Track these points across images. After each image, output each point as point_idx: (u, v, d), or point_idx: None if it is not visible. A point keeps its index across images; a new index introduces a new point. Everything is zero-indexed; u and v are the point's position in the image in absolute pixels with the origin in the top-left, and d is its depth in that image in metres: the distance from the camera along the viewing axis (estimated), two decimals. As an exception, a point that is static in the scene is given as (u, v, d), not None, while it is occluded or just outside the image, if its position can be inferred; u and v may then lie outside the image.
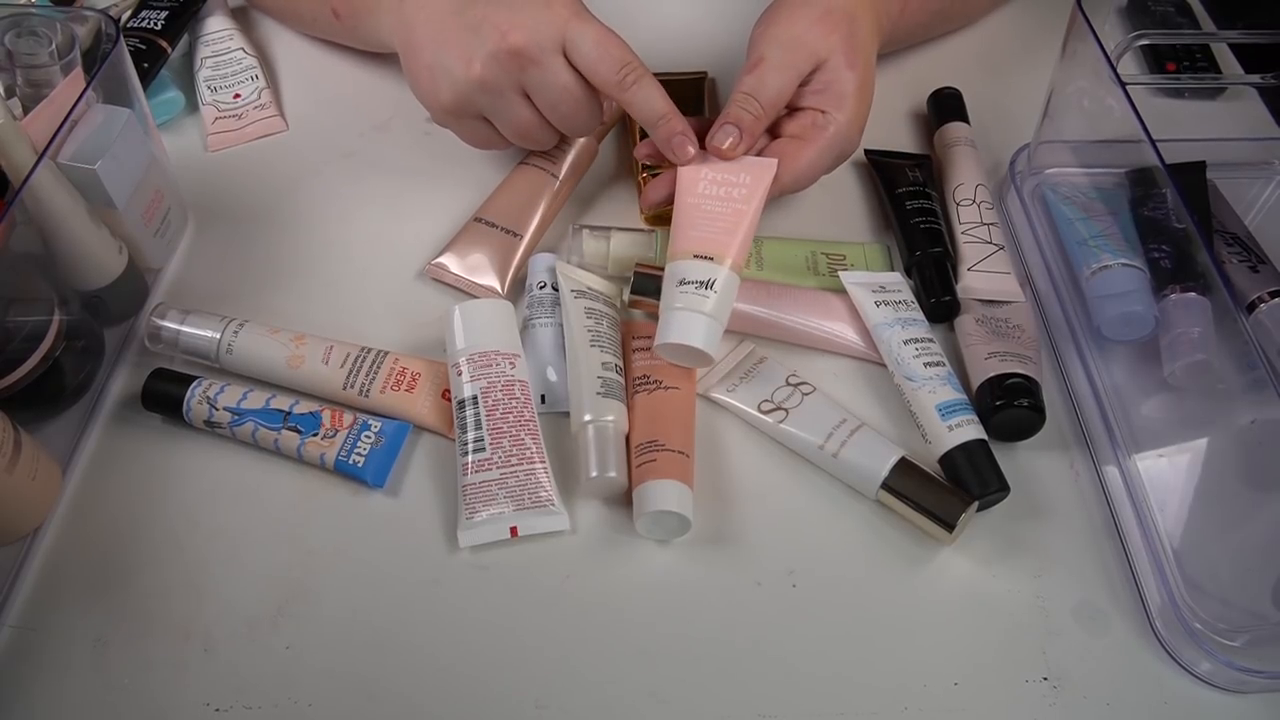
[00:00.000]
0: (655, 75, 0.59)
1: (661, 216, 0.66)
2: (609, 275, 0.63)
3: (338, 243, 0.67)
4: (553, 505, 0.54)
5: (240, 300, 0.63)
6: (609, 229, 0.64)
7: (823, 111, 0.60)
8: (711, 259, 0.56)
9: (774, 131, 0.62)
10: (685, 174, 0.59)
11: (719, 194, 0.58)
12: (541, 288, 0.61)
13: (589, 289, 0.61)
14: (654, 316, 0.62)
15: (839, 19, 0.60)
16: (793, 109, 0.62)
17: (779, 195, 0.61)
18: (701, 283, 0.55)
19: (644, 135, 0.69)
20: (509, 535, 0.53)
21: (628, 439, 0.56)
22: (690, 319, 0.54)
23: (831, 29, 0.59)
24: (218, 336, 0.58)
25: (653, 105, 0.58)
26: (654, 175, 0.66)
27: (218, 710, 0.48)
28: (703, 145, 0.60)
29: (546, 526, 0.54)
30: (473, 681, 0.50)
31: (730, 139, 0.58)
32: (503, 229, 0.64)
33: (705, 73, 0.75)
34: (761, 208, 0.58)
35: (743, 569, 0.54)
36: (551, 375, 0.59)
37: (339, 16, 0.70)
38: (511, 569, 0.53)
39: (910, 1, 0.68)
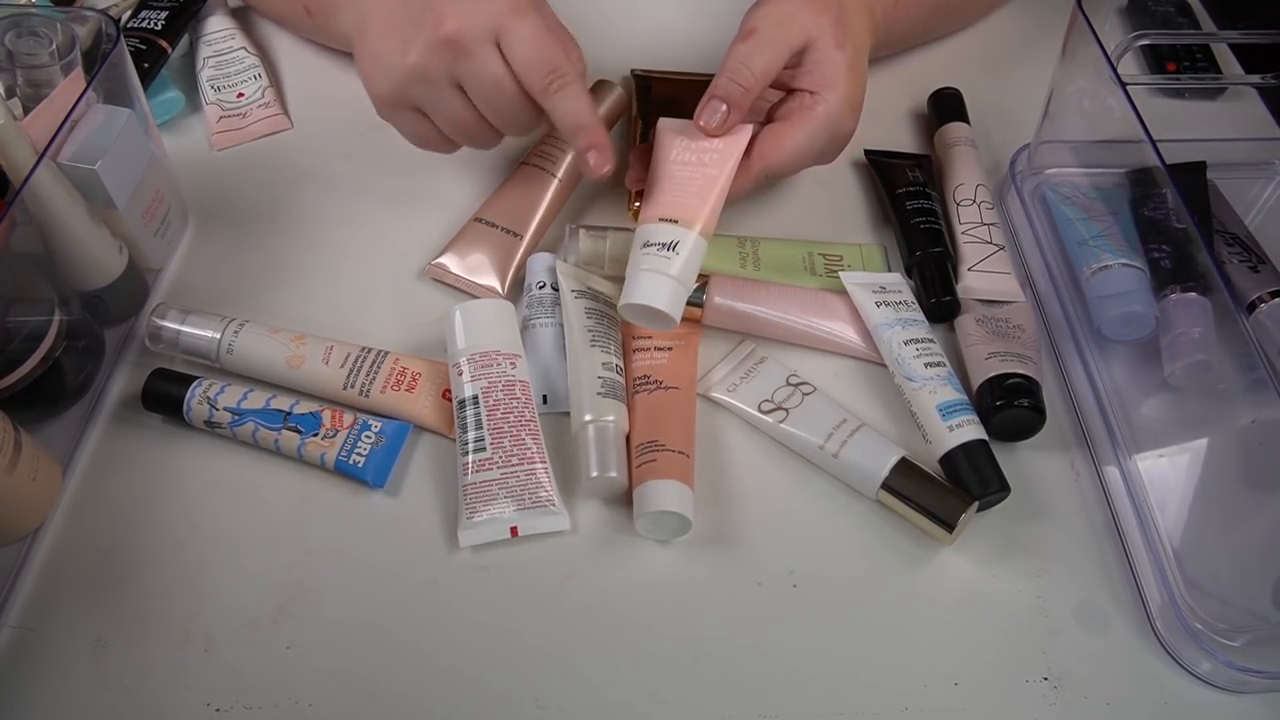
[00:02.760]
0: (672, 74, 0.59)
1: None
2: (606, 275, 0.63)
3: (338, 243, 0.67)
4: (553, 505, 0.54)
5: (240, 300, 0.63)
6: (606, 229, 0.64)
7: (812, 92, 0.60)
8: (677, 222, 0.56)
9: (766, 117, 0.62)
10: (662, 141, 0.59)
11: (691, 159, 0.58)
12: (541, 288, 0.61)
13: (589, 289, 0.61)
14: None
15: (829, 3, 0.60)
16: (784, 91, 0.61)
17: (772, 180, 0.61)
18: (665, 244, 0.55)
19: (644, 137, 0.69)
20: (509, 535, 0.53)
21: (628, 439, 0.56)
22: (653, 280, 0.54)
23: (821, 11, 0.59)
24: (218, 336, 0.58)
25: (573, 116, 0.56)
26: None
27: (218, 710, 0.48)
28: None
29: (547, 526, 0.54)
30: (473, 681, 0.50)
31: (717, 115, 0.58)
32: (503, 229, 0.64)
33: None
34: (734, 173, 0.58)
35: (743, 569, 0.54)
36: (552, 375, 0.59)
37: (310, 14, 0.70)
38: (511, 569, 0.53)
39: None
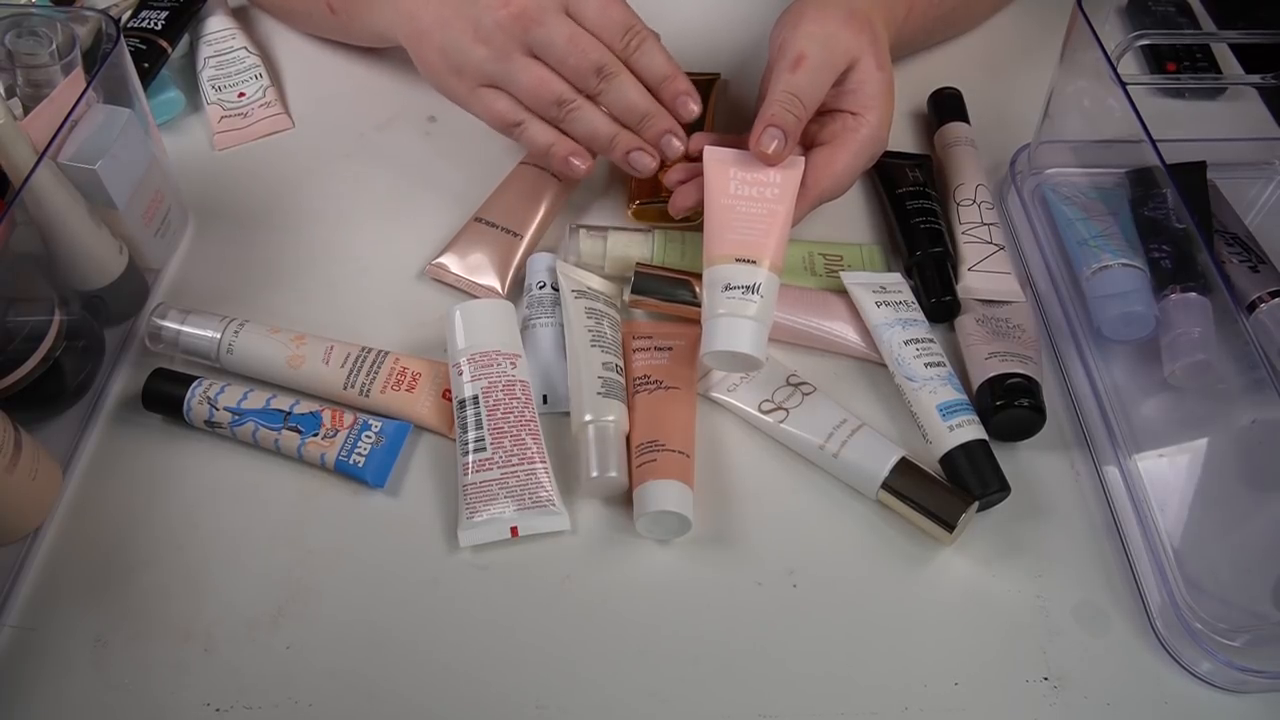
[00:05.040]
0: None
1: (644, 214, 0.66)
2: (606, 275, 0.63)
3: (338, 243, 0.67)
4: (553, 505, 0.54)
5: (240, 300, 0.63)
6: (606, 229, 0.64)
7: (853, 113, 0.60)
8: (753, 262, 0.55)
9: (805, 138, 0.61)
10: (714, 175, 0.58)
11: (752, 194, 0.57)
12: (541, 287, 0.61)
13: (589, 289, 0.61)
14: (655, 315, 0.63)
15: (863, 20, 0.60)
16: (822, 112, 0.61)
17: (819, 204, 0.61)
18: (746, 287, 0.54)
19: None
20: (509, 535, 0.53)
21: (628, 439, 0.56)
22: (736, 324, 0.54)
23: (859, 29, 0.59)
24: (218, 336, 0.58)
25: (658, 68, 0.58)
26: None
27: (218, 710, 0.48)
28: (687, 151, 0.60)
29: (547, 526, 0.54)
30: (473, 681, 0.50)
31: (775, 143, 0.57)
32: (503, 229, 0.64)
33: (718, 75, 0.75)
34: (793, 210, 0.58)
35: (743, 569, 0.54)
36: (553, 375, 0.59)
37: (334, 11, 0.70)
38: (511, 569, 0.53)
39: (914, 8, 0.68)
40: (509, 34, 0.57)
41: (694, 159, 0.60)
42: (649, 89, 0.59)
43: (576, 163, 0.60)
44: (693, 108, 0.59)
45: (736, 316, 0.54)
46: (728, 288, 0.54)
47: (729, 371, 0.58)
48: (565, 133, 0.60)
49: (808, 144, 0.62)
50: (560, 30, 0.57)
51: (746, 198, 0.57)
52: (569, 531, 0.54)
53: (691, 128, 0.69)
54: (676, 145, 0.59)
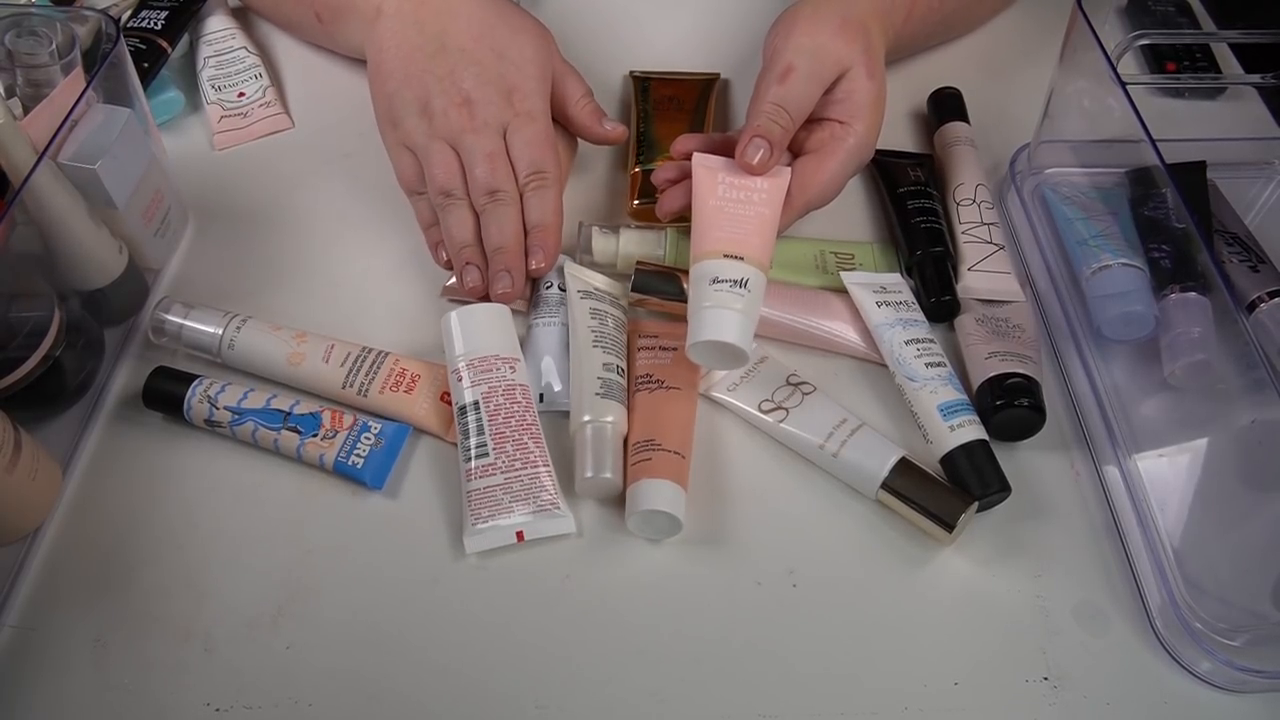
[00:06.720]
0: (668, 75, 0.61)
1: (643, 213, 0.66)
2: (618, 272, 0.63)
3: (338, 243, 0.67)
4: (557, 509, 0.54)
5: (240, 300, 0.63)
6: (617, 226, 0.64)
7: (841, 122, 0.60)
8: (742, 258, 0.55)
9: (793, 145, 0.62)
10: (702, 179, 0.58)
11: (739, 198, 0.58)
12: (548, 288, 0.62)
13: (596, 289, 0.61)
14: (656, 313, 0.63)
15: (857, 29, 0.60)
16: (811, 120, 0.61)
17: (805, 212, 0.61)
18: (735, 281, 0.54)
19: (640, 137, 0.69)
20: (515, 540, 0.53)
21: (626, 439, 0.56)
22: (724, 316, 0.53)
23: (852, 38, 0.60)
24: (220, 332, 0.58)
25: (538, 213, 0.60)
26: (646, 171, 0.66)
27: (218, 710, 0.48)
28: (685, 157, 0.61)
29: (552, 530, 0.54)
30: (473, 681, 0.50)
31: (760, 154, 0.57)
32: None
33: (718, 75, 0.75)
34: (779, 215, 0.58)
35: (743, 569, 0.54)
36: (551, 374, 0.59)
37: (321, 20, 0.71)
38: (511, 569, 0.53)
39: (913, 13, 0.68)
40: (448, 124, 0.61)
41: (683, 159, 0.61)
42: (525, 226, 0.61)
43: (439, 251, 0.63)
44: (540, 262, 0.60)
45: (723, 308, 0.53)
46: (715, 281, 0.54)
47: (715, 367, 0.57)
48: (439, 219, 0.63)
49: (796, 151, 0.62)
50: (485, 145, 0.60)
51: (735, 200, 0.58)
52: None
53: (691, 126, 0.70)
54: (504, 284, 0.59)
